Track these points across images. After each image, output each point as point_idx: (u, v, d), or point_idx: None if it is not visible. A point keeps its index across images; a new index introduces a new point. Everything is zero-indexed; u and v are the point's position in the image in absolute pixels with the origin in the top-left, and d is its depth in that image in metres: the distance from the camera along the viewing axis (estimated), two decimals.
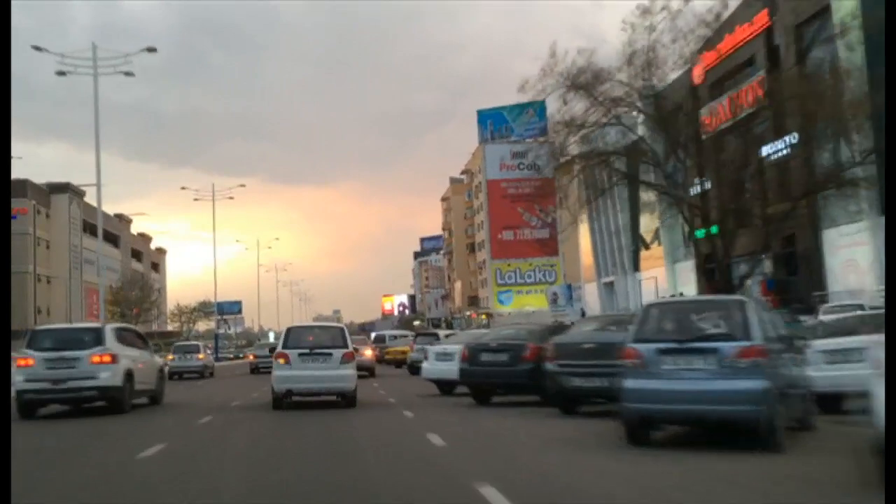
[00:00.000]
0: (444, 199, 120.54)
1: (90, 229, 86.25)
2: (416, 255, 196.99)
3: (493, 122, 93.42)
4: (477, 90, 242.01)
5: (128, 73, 33.84)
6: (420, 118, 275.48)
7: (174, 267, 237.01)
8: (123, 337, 15.95)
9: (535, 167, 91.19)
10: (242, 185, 59.21)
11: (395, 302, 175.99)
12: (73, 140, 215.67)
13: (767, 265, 28.88)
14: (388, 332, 40.13)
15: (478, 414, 14.05)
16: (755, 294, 27.33)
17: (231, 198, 57.73)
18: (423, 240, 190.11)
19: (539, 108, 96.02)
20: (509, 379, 14.06)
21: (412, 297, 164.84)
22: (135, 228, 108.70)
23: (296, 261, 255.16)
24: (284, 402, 14.52)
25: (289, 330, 15.66)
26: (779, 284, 29.50)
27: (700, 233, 34.26)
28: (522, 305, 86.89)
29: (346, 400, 14.63)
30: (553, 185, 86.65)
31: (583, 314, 47.85)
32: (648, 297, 41.15)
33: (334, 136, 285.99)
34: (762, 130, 26.35)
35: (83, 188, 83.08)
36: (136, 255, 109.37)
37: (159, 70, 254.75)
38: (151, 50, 36.07)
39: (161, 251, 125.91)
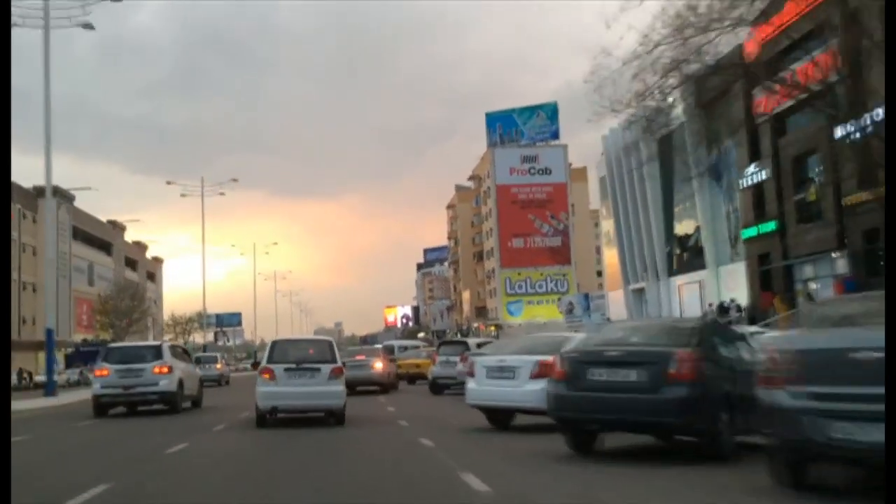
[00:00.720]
0: (449, 207, 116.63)
1: (81, 235, 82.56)
2: (420, 266, 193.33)
3: (503, 126, 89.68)
4: (481, 105, 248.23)
5: (86, 26, 30.88)
6: (424, 132, 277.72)
7: (176, 279, 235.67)
8: (175, 352, 19.93)
9: (546, 171, 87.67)
10: (235, 180, 54.43)
11: (399, 313, 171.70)
12: (75, 152, 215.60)
13: (840, 265, 24.95)
14: (396, 343, 36.05)
15: (600, 480, 7.53)
16: (823, 298, 23.32)
17: (222, 193, 53.40)
18: (426, 251, 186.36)
19: (550, 110, 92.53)
20: (645, 413, 8.02)
21: (416, 309, 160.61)
22: (133, 237, 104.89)
23: (298, 274, 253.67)
24: (269, 419, 14.11)
25: (274, 343, 14.93)
26: (860, 287, 25.44)
27: (752, 230, 30.52)
28: (533, 316, 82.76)
29: (335, 417, 13.89)
30: (565, 191, 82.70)
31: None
32: (691, 305, 37.14)
33: (338, 150, 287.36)
34: (834, 108, 22.30)
35: (73, 192, 79.34)
36: (131, 263, 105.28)
37: (163, 84, 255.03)
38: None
39: (158, 260, 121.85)
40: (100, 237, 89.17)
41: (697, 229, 38.78)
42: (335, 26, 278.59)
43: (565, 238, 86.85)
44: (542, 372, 10.32)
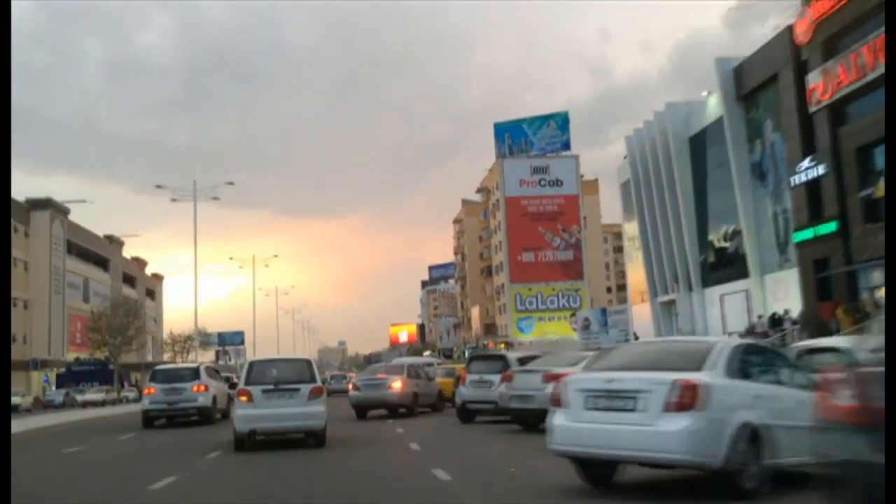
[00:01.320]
0: (456, 222, 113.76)
1: (76, 250, 79.69)
2: (424, 283, 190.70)
3: (511, 136, 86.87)
4: (485, 122, 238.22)
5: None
6: (428, 151, 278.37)
7: (181, 299, 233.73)
8: (210, 373, 23.06)
9: (557, 183, 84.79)
10: (231, 184, 51.08)
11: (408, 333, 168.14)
12: (82, 172, 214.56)
13: None
14: (407, 360, 32.44)
15: None
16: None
17: (216, 198, 50.14)
18: (431, 268, 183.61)
19: (561, 119, 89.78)
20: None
21: (421, 327, 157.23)
22: (134, 254, 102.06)
23: (301, 293, 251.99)
24: (248, 442, 13.57)
25: (251, 364, 14.42)
26: None
27: (807, 233, 27.42)
28: (544, 333, 79.44)
29: (315, 439, 13.52)
30: (577, 203, 79.81)
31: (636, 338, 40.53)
32: (734, 317, 33.81)
33: (342, 168, 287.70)
34: None
35: (67, 205, 76.59)
36: (129, 280, 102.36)
37: (169, 103, 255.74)
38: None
39: (158, 277, 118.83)
40: (96, 252, 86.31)
41: (737, 234, 35.51)
42: (340, 45, 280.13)
43: (577, 252, 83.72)
44: (682, 400, 6.65)
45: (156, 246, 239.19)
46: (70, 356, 72.26)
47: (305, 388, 13.24)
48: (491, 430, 15.60)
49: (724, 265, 37.31)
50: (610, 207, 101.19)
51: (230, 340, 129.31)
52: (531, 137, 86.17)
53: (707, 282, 39.03)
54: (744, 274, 34.66)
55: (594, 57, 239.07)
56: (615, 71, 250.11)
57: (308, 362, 14.29)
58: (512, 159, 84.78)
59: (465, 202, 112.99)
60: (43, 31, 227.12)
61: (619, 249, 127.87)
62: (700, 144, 38.72)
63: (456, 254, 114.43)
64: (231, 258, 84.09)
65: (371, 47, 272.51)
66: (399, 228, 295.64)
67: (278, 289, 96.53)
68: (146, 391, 21.26)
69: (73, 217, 78.20)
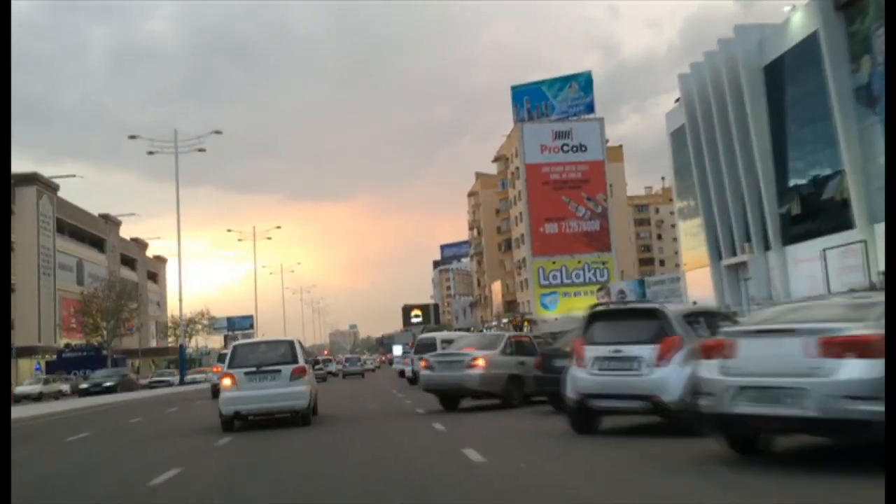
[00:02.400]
0: (471, 195, 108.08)
1: (69, 230, 74.72)
2: (436, 263, 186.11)
3: (531, 100, 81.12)
4: (494, 102, 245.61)
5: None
6: (436, 133, 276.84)
7: (190, 285, 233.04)
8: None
9: (581, 148, 78.88)
10: (218, 132, 46.30)
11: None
12: (90, 160, 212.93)
13: None
14: (438, 335, 26.92)
15: None
16: None
17: (202, 149, 44.96)
18: (443, 247, 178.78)
19: (584, 80, 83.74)
20: None
21: (435, 307, 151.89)
22: (151, 242, 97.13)
23: (313, 276, 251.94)
24: (234, 423, 13.60)
25: (234, 348, 14.56)
26: None
27: None
28: (569, 309, 73.90)
29: (301, 418, 13.72)
30: (603, 169, 73.77)
31: None
32: (840, 276, 27.38)
33: (351, 152, 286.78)
34: None
35: (56, 180, 71.47)
36: (129, 262, 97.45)
37: (177, 90, 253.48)
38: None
39: (160, 259, 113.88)
40: (90, 232, 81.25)
41: (834, 176, 29.62)
42: (347, 29, 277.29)
43: (604, 221, 78.12)
44: None
45: (165, 231, 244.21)
46: (64, 342, 67.38)
47: (287, 369, 13.48)
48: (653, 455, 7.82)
49: (816, 216, 31.43)
50: (629, 181, 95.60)
51: (239, 325, 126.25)
52: (552, 100, 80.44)
53: (789, 238, 33.11)
54: (845, 224, 28.79)
55: (603, 34, 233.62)
56: (624, 48, 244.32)
57: (291, 343, 14.27)
58: (532, 124, 79.08)
59: (479, 175, 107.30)
60: (48, 20, 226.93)
61: (641, 223, 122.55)
62: (777, 74, 32.86)
63: (471, 228, 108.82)
64: (229, 230, 78.08)
65: (378, 30, 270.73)
66: (409, 210, 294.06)
67: (283, 266, 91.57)
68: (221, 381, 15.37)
69: (76, 201, 73.87)
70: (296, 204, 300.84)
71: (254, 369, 13.45)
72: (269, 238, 74.26)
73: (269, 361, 13.63)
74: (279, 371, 13.44)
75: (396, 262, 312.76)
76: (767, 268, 33.97)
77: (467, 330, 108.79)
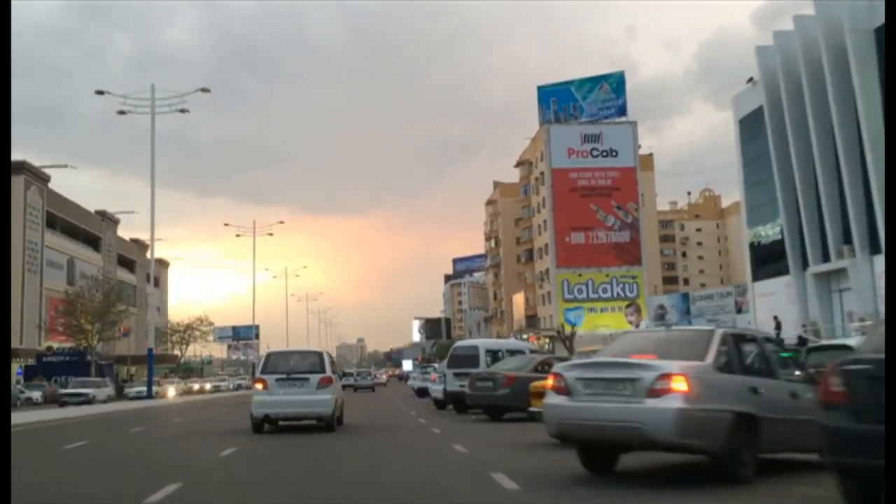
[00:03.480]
0: (488, 203, 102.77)
1: (60, 225, 69.83)
2: (448, 277, 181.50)
3: (558, 101, 75.90)
4: (508, 120, 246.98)
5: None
6: (450, 148, 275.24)
7: (202, 294, 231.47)
8: None
9: (612, 153, 73.46)
10: (206, 90, 41.48)
11: (415, 326, 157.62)
12: (106, 167, 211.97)
13: None
14: (482, 343, 21.23)
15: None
16: None
17: (270, 234, 43.26)
18: (455, 261, 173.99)
19: (616, 81, 78.49)
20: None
21: (447, 321, 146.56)
22: (160, 248, 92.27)
23: (321, 289, 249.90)
24: (263, 427, 14.55)
25: (268, 356, 15.75)
26: None
27: None
28: (595, 326, 68.43)
29: (325, 424, 14.56)
30: (635, 177, 67.92)
31: (778, 326, 29.30)
32: None
33: (365, 165, 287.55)
34: None
35: (47, 170, 66.60)
36: (128, 264, 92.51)
37: (194, 100, 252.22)
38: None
39: (162, 263, 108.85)
40: (85, 229, 76.26)
41: None
42: (364, 42, 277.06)
43: (634, 233, 72.56)
44: None
45: (179, 241, 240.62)
46: (47, 345, 62.13)
47: (315, 378, 14.41)
48: None
49: None
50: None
51: (244, 334, 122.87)
52: (581, 102, 75.21)
53: None
54: None
55: (619, 54, 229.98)
56: (640, 69, 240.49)
57: (320, 354, 15.30)
58: (559, 126, 73.84)
59: (497, 184, 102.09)
60: (70, 27, 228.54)
61: (665, 239, 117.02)
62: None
63: (488, 239, 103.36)
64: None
65: (394, 44, 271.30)
66: (420, 225, 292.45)
67: (288, 269, 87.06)
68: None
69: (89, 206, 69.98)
70: (308, 216, 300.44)
71: (284, 376, 14.39)
72: (270, 234, 70.56)
73: (298, 369, 14.54)
74: (307, 379, 14.36)
75: (406, 277, 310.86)
76: (873, 276, 28.10)
77: None
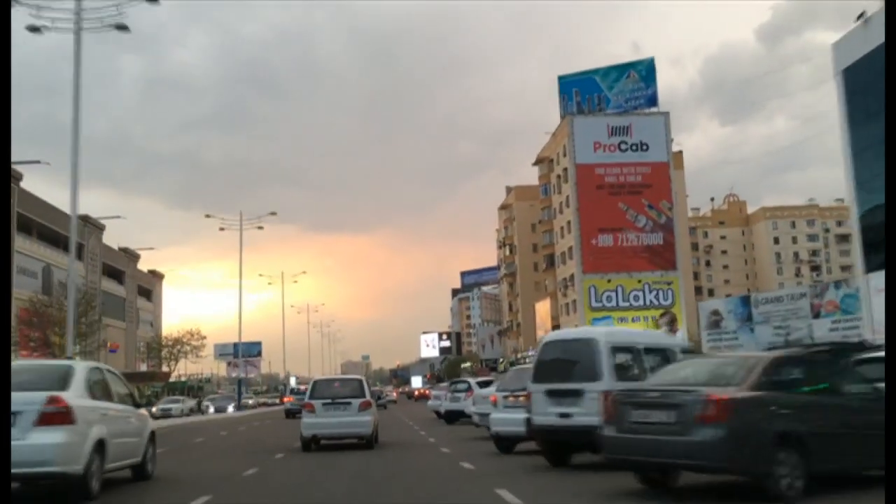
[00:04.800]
0: (503, 208, 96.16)
1: (36, 229, 63.44)
2: (455, 291, 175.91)
3: (581, 91, 69.52)
4: (515, 140, 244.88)
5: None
6: (458, 167, 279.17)
7: (213, 313, 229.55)
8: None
9: (642, 147, 66.91)
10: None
11: (426, 341, 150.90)
12: (116, 187, 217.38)
13: None
14: (627, 336, 12.57)
15: None
16: None
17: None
18: (464, 274, 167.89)
19: (645, 68, 71.99)
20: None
21: (457, 335, 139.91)
22: (124, 246, 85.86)
23: (328, 307, 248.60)
24: (312, 445, 16.15)
25: (315, 383, 17.59)
26: None
27: None
28: None
29: (365, 442, 16.07)
30: (668, 173, 60.70)
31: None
32: None
33: (372, 184, 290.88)
34: None
35: (18, 171, 60.11)
36: (116, 275, 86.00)
37: (204, 119, 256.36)
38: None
39: (156, 275, 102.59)
40: (65, 234, 69.49)
41: None
42: (372, 62, 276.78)
43: (668, 234, 65.83)
44: None
45: (187, 260, 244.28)
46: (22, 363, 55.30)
47: (356, 402, 16.10)
48: None
49: None
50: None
51: (247, 352, 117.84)
52: (606, 92, 68.79)
53: None
54: None
55: None
56: None
57: (360, 381, 17.42)
58: (584, 118, 67.36)
59: (509, 189, 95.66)
60: (82, 47, 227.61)
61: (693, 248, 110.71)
62: None
63: (502, 246, 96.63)
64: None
65: (402, 65, 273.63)
66: (426, 244, 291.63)
67: (309, 306, 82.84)
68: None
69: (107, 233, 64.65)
70: (315, 234, 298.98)
71: (329, 401, 16.14)
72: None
73: (341, 395, 16.30)
74: (350, 403, 16.02)
75: (412, 294, 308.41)
76: None
77: (494, 361, 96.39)
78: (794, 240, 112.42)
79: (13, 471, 7.66)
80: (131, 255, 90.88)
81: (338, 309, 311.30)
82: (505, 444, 13.66)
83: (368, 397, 16.45)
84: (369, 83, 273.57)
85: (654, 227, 65.49)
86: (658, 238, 65.34)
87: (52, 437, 8.27)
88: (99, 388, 10.12)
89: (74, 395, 8.94)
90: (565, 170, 68.47)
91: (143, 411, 11.96)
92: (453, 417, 22.26)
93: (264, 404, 78.74)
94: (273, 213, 55.89)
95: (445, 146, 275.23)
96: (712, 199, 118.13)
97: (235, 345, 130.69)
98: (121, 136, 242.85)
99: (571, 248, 67.75)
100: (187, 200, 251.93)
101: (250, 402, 75.70)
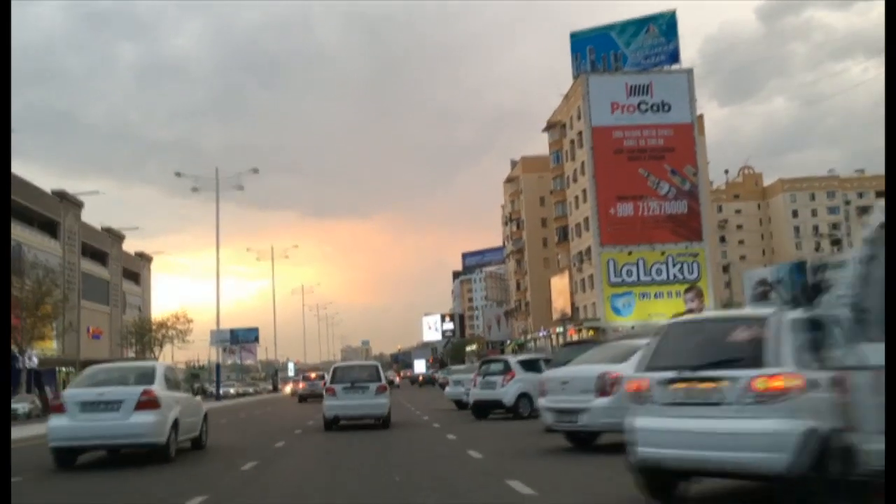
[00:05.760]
0: (509, 181, 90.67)
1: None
2: (457, 274, 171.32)
3: (595, 49, 64.00)
4: (514, 124, 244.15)
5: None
6: (457, 152, 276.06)
7: (206, 301, 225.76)
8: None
9: (664, 107, 61.39)
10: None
11: (429, 323, 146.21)
12: (115, 175, 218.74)
13: None
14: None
15: None
16: None
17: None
18: (465, 255, 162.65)
19: (665, 22, 66.31)
20: None
21: (461, 317, 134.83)
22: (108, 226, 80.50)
23: (327, 293, 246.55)
24: (333, 425, 17.41)
25: (335, 369, 18.76)
26: None
27: None
28: (648, 315, 56.47)
29: (382, 422, 17.27)
30: (692, 135, 55.35)
31: None
32: None
33: (371, 170, 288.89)
34: None
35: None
36: (99, 256, 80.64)
37: (202, 107, 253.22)
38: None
39: (143, 257, 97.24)
40: (38, 211, 64.26)
41: None
42: (370, 47, 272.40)
43: (693, 202, 60.67)
44: None
45: (186, 247, 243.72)
46: None
47: (373, 386, 17.37)
48: None
49: None
50: None
51: (244, 338, 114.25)
52: (623, 49, 63.32)
53: None
54: None
55: None
56: None
57: (376, 367, 18.56)
58: (600, 76, 61.94)
59: (514, 164, 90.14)
60: (77, 36, 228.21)
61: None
62: None
63: (508, 222, 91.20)
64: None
65: (400, 49, 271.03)
66: (426, 229, 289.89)
67: (304, 287, 76.96)
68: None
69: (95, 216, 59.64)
70: (315, 220, 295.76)
71: (349, 385, 17.40)
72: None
73: (360, 379, 17.57)
74: (367, 387, 17.35)
75: (412, 279, 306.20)
76: None
77: (501, 344, 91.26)
78: (814, 212, 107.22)
79: (120, 442, 11.76)
80: (115, 236, 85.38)
81: (337, 295, 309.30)
82: (663, 479, 6.32)
83: (384, 382, 17.67)
84: (366, 67, 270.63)
85: (678, 194, 60.28)
86: (682, 206, 60.12)
87: (146, 418, 11.46)
88: (172, 382, 13.08)
89: (159, 388, 12.02)
90: (580, 134, 63.07)
91: (199, 398, 15.35)
92: (485, 410, 17.06)
93: (243, 394, 72.26)
94: (255, 171, 51.74)
95: (444, 131, 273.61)
96: (726, 172, 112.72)
97: (232, 331, 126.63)
98: (118, 123, 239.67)
99: (587, 219, 62.50)
100: (185, 188, 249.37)
101: (231, 391, 69.36)
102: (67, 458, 11.50)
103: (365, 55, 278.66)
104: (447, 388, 22.77)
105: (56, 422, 11.34)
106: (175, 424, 12.00)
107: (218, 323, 45.69)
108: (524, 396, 15.97)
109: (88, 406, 11.30)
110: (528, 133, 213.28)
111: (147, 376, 12.22)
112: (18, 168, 65.85)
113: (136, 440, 11.53)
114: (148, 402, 11.37)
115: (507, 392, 16.33)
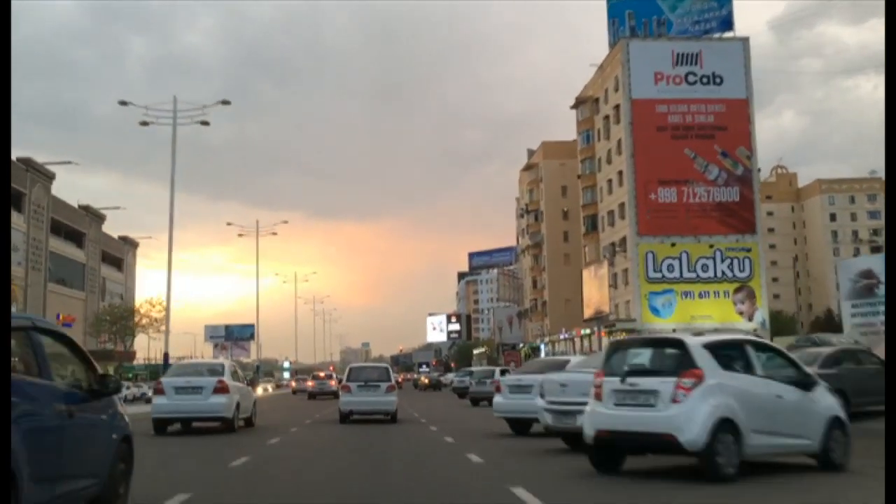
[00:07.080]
0: (527, 169, 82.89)
1: None
2: (462, 275, 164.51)
3: (635, 14, 56.47)
4: (523, 127, 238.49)
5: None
6: (465, 155, 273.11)
7: (206, 298, 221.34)
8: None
9: (715, 80, 53.34)
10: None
11: (433, 323, 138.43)
12: (120, 170, 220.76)
13: None
14: None
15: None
16: None
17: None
18: (472, 255, 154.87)
19: None
20: None
21: (467, 318, 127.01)
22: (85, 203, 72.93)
23: (330, 293, 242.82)
24: (348, 419, 19.36)
25: (350, 368, 21.09)
26: None
27: None
28: (691, 318, 48.87)
29: (390, 417, 19.23)
30: (747, 112, 48.37)
31: None
32: None
33: (378, 171, 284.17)
34: None
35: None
36: (74, 237, 73.14)
37: (210, 102, 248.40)
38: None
39: (128, 242, 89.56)
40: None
41: None
42: (380, 48, 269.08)
43: (746, 190, 53.11)
44: None
45: (188, 243, 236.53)
46: None
47: (384, 385, 19.51)
48: None
49: None
50: None
51: (239, 334, 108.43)
52: (668, 14, 55.80)
53: None
54: None
55: None
56: None
57: (387, 368, 21.52)
58: (643, 41, 54.35)
59: (532, 152, 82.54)
60: (88, 29, 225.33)
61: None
62: None
63: (525, 214, 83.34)
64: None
65: (410, 50, 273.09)
66: (431, 232, 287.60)
67: (315, 297, 68.62)
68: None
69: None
70: (319, 221, 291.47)
71: (363, 383, 19.48)
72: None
73: (372, 378, 19.69)
74: (379, 386, 19.40)
75: (414, 281, 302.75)
76: None
77: (513, 347, 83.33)
78: (853, 216, 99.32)
79: (203, 415, 16.79)
80: (94, 216, 77.75)
81: (338, 295, 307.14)
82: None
83: (393, 381, 20.24)
84: (375, 68, 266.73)
85: (729, 179, 52.62)
86: (733, 193, 52.46)
87: (220, 399, 16.30)
88: (235, 375, 18.27)
89: (227, 378, 17.01)
90: (616, 108, 55.43)
91: (250, 388, 20.65)
92: (622, 452, 7.72)
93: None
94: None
95: (452, 134, 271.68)
96: (758, 171, 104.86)
97: (227, 327, 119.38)
98: (127, 119, 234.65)
99: (622, 206, 54.85)
100: (190, 184, 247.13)
101: None
102: (162, 426, 16.40)
103: (375, 56, 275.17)
104: (496, 399, 13.96)
105: (158, 400, 16.68)
106: (237, 406, 17.09)
107: (168, 314, 38.49)
108: (725, 427, 7.26)
109: (181, 390, 16.51)
110: (536, 138, 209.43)
111: (218, 370, 17.58)
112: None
113: (213, 414, 16.60)
114: (221, 388, 16.51)
115: (685, 415, 7.27)
